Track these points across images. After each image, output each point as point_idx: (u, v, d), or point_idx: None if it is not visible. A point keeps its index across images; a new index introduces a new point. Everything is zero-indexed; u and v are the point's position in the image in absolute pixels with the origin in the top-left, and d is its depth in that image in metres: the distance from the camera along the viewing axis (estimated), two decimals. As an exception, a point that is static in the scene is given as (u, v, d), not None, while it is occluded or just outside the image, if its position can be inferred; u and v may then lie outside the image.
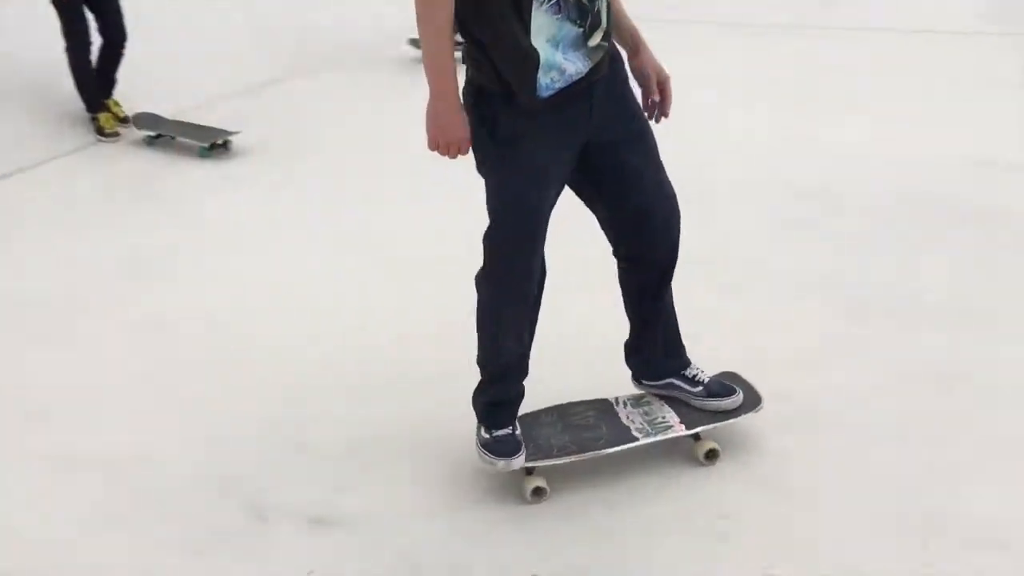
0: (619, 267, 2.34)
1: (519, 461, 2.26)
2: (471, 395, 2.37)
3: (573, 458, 2.31)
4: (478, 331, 2.26)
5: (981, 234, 3.66)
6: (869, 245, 3.62)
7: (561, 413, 2.46)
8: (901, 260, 3.49)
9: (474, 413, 2.36)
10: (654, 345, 2.40)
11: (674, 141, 2.53)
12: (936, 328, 2.96)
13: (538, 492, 2.30)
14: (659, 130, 2.24)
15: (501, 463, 2.25)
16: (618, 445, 2.33)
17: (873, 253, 3.55)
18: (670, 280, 2.31)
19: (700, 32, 7.02)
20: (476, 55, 1.93)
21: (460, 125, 1.95)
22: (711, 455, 2.38)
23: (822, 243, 3.64)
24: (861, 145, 4.65)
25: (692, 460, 2.41)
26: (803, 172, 4.36)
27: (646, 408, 2.46)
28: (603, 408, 2.47)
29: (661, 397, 2.47)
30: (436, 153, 2.03)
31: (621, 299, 2.41)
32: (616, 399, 2.51)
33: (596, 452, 2.33)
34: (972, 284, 3.27)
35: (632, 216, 2.19)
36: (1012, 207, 3.89)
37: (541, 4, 1.88)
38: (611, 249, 2.32)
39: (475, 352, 2.29)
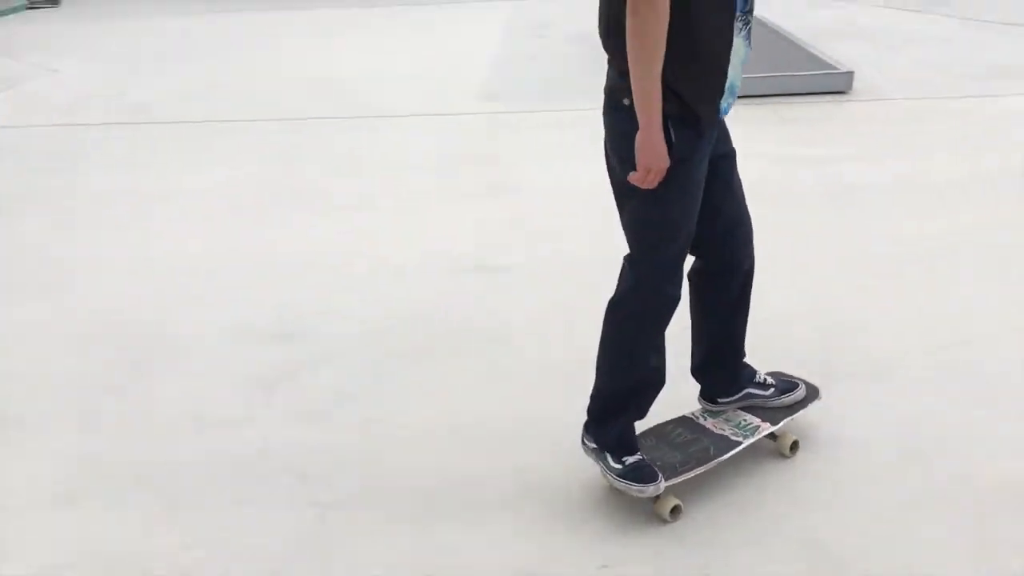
0: (701, 287, 2.48)
1: (663, 483, 2.33)
2: (588, 432, 2.42)
3: (699, 470, 2.42)
4: (615, 357, 2.33)
5: (484, 347, 3.27)
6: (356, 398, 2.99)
7: (658, 435, 2.56)
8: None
9: (594, 448, 2.41)
10: (734, 360, 2.59)
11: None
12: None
13: (676, 511, 2.39)
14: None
15: (651, 488, 2.31)
16: (728, 451, 2.48)
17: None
18: (750, 292, 2.52)
19: (150, 134, 6.30)
20: (668, 89, 2.01)
21: (666, 154, 2.04)
22: (795, 447, 2.61)
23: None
24: (338, 255, 4.13)
25: (772, 455, 2.61)
26: (263, 303, 3.69)
27: (726, 416, 2.64)
28: (690, 425, 2.60)
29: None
30: (638, 182, 2.10)
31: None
32: (693, 415, 2.66)
33: (715, 461, 2.45)
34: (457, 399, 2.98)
35: (724, 228, 2.36)
36: (511, 315, 3.51)
37: (740, 31, 2.06)
38: (694, 267, 2.47)
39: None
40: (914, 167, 4.93)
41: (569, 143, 5.54)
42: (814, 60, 6.83)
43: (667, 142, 2.06)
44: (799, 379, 2.70)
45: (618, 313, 2.29)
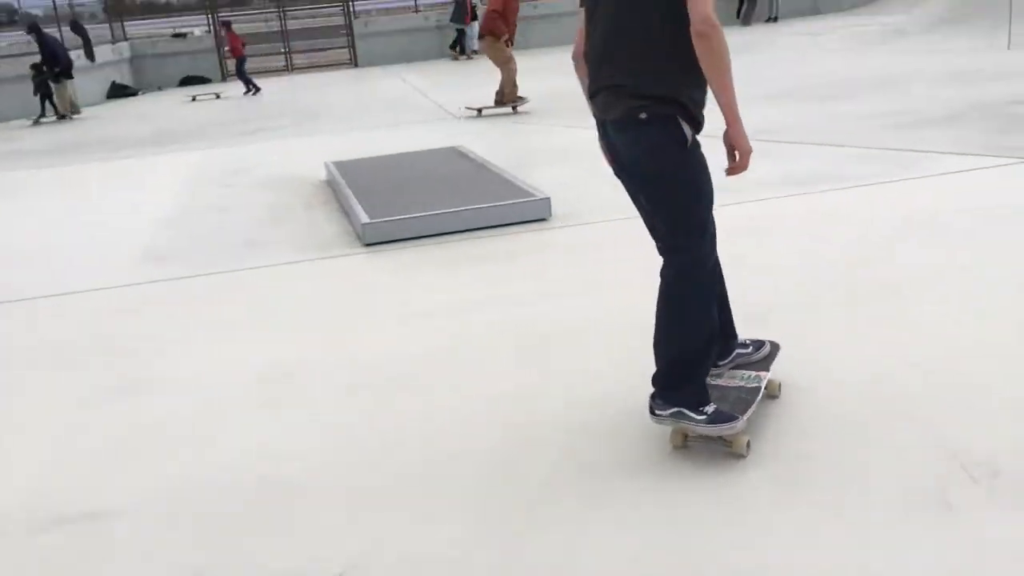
0: None
1: (744, 417, 2.76)
2: (660, 401, 2.82)
3: (749, 412, 2.86)
4: (691, 320, 2.78)
5: None
6: None
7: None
8: None
9: (672, 412, 2.81)
10: (731, 328, 3.09)
11: None
12: None
13: (749, 445, 2.80)
14: None
15: (739, 423, 2.74)
16: (757, 395, 2.95)
17: None
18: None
19: None
20: (679, 100, 2.64)
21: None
22: (779, 388, 3.15)
23: None
24: None
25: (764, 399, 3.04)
26: None
27: (731, 373, 3.10)
28: (709, 387, 2.96)
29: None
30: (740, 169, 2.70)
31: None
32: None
33: (755, 403, 2.91)
34: None
35: None
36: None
37: None
38: None
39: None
40: (612, 300, 4.27)
41: (241, 314, 4.65)
42: (511, 188, 6.30)
43: (683, 138, 2.65)
44: (760, 339, 3.25)
45: (686, 285, 2.78)
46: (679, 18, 2.49)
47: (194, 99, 17.28)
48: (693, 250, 2.75)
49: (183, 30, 24.49)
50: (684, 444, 2.83)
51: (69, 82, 15.95)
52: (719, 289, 3.00)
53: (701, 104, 2.68)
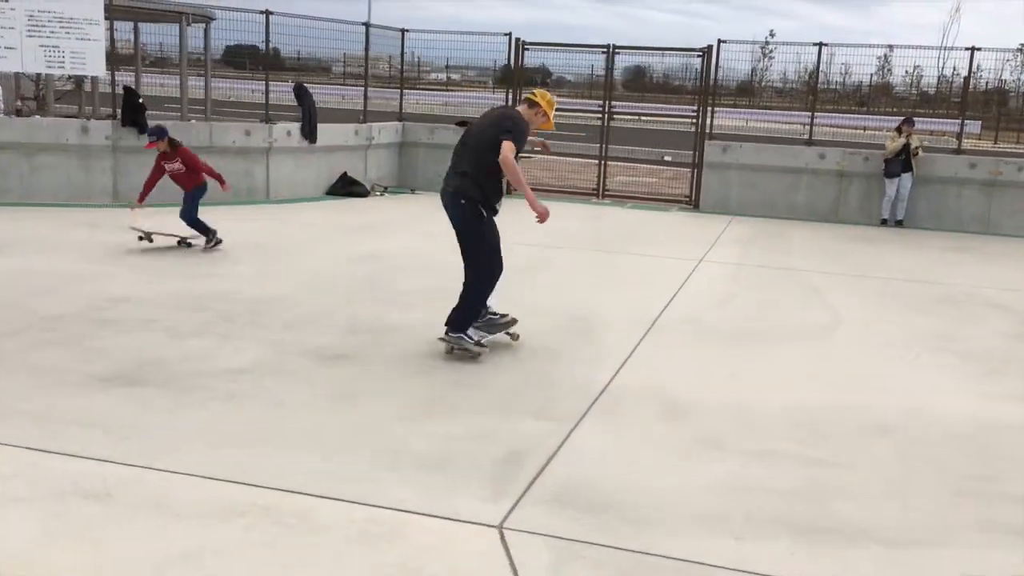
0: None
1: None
2: (453, 330, 7.22)
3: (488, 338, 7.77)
4: (474, 300, 7.12)
5: None
6: None
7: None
8: None
9: (457, 335, 7.07)
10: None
11: None
12: None
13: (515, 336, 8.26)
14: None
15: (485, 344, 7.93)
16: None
17: None
18: None
19: None
20: (481, 187, 6.74)
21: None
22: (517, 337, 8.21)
23: None
24: None
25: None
26: None
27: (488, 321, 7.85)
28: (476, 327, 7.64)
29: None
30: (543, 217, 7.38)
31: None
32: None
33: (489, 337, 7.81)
34: None
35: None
36: None
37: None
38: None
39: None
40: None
41: None
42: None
43: (482, 214, 7.22)
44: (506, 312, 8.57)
45: (479, 286, 7.10)
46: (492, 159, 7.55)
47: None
48: (485, 275, 7.02)
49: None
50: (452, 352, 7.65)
51: None
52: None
53: (494, 198, 7.10)
